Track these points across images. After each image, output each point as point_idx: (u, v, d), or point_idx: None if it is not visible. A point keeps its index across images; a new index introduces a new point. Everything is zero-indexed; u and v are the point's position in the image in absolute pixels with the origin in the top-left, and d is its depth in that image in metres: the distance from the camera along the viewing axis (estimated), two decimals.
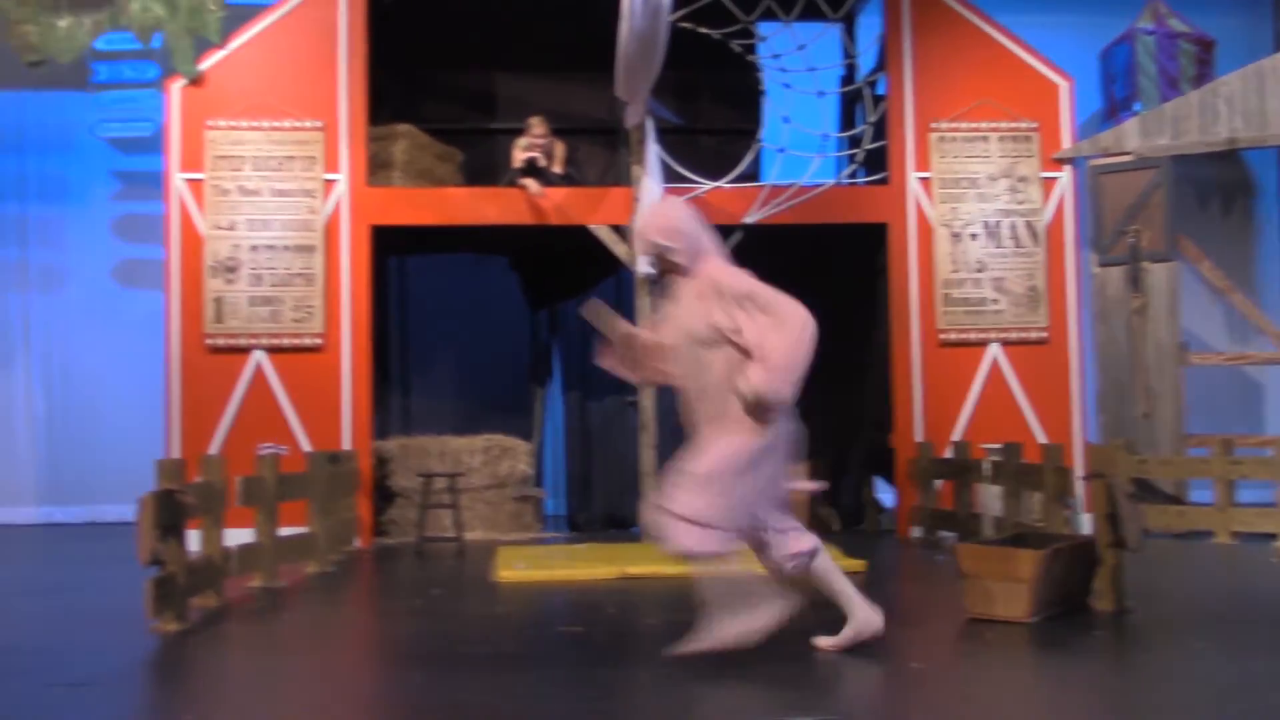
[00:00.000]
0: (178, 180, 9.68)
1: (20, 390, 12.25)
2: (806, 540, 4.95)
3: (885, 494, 10.62)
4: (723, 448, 4.73)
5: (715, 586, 4.81)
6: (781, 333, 4.72)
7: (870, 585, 7.10)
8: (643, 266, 9.38)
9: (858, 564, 7.54)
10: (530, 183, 9.76)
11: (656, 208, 5.11)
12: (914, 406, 9.90)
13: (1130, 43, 11.38)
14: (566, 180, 10.05)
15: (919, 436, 9.80)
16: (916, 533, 9.59)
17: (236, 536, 6.89)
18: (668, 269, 5.03)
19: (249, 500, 7.02)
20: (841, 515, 10.36)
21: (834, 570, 5.04)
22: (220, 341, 9.57)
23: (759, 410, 4.68)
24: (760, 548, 4.97)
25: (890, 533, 10.06)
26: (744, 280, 4.89)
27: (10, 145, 12.39)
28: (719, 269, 4.97)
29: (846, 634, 4.98)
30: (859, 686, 4.42)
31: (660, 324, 5.12)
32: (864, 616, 5.00)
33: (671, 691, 4.47)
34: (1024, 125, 10.07)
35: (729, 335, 4.78)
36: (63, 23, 9.58)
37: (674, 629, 5.87)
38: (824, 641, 4.96)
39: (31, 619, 6.26)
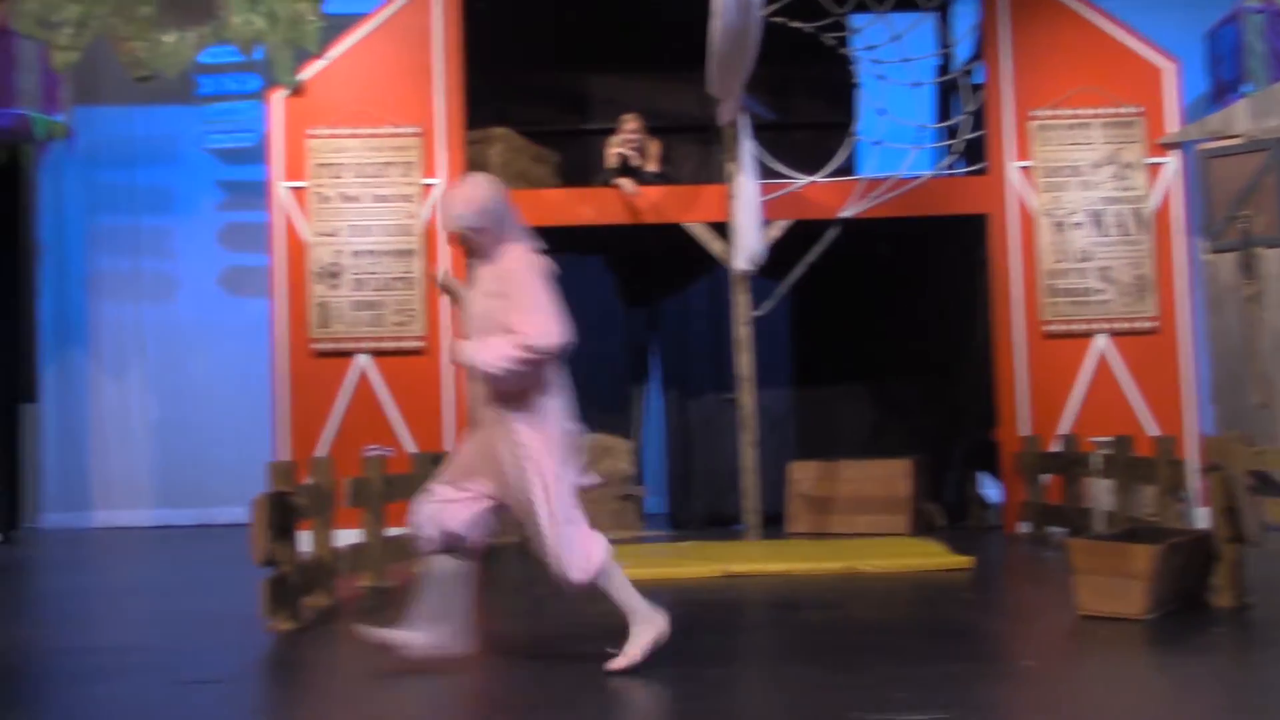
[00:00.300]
0: (281, 189, 9.89)
1: (135, 397, 12.63)
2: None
3: (990, 489, 10.46)
4: (538, 469, 4.68)
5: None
6: (516, 338, 4.68)
7: (977, 582, 7.02)
8: (741, 263, 9.35)
9: (964, 560, 7.45)
10: (625, 182, 9.79)
11: (465, 184, 4.85)
12: (1018, 400, 9.72)
13: (1238, 22, 11.02)
14: (662, 179, 10.06)
15: (1024, 430, 9.62)
16: (1023, 528, 9.42)
17: (345, 537, 7.02)
18: (471, 250, 4.82)
19: (357, 501, 7.14)
20: (945, 511, 10.23)
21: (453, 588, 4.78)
22: (325, 346, 9.76)
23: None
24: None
25: (996, 529, 9.89)
26: (533, 276, 4.78)
27: (121, 159, 12.77)
28: (520, 256, 4.80)
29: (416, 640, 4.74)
30: (970, 685, 4.36)
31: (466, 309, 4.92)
32: (445, 635, 4.76)
33: (778, 690, 4.45)
34: (1128, 110, 9.84)
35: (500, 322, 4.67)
36: (168, 38, 9.83)
37: (778, 627, 5.86)
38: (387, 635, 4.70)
39: (153, 618, 6.45)
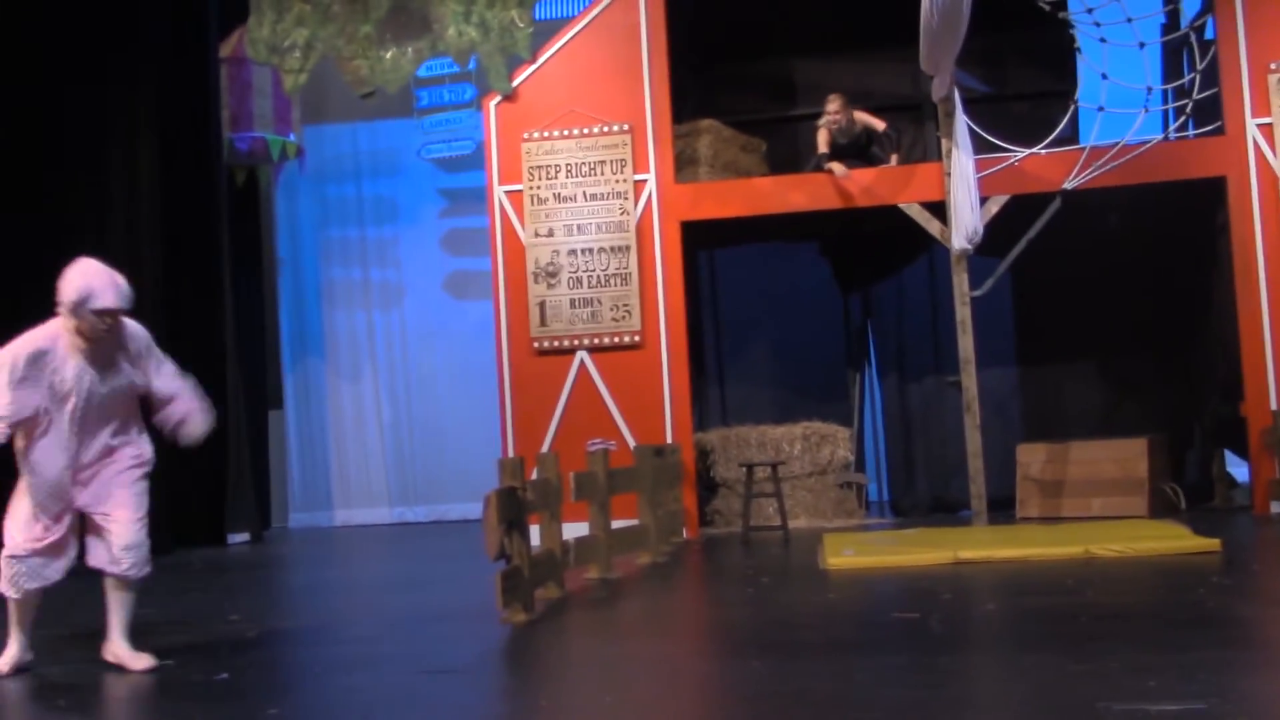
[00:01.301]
0: (499, 193, 10.17)
1: (370, 400, 13.20)
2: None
3: (1237, 467, 9.89)
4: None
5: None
6: (184, 381, 5.33)
7: (1227, 565, 6.65)
8: (959, 242, 9.11)
9: (1211, 543, 7.06)
10: (836, 166, 9.66)
11: (100, 272, 4.99)
12: (1267, 372, 9.15)
13: None
14: (888, 139, 9.84)
15: (1274, 403, 9.05)
16: (1276, 508, 8.88)
17: (571, 530, 7.16)
18: (109, 329, 5.02)
19: (582, 495, 7.27)
20: (1187, 492, 9.73)
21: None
22: (546, 344, 9.98)
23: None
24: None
25: (1245, 509, 9.36)
26: (144, 332, 5.28)
27: (347, 173, 13.38)
28: (129, 322, 5.17)
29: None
30: (1226, 674, 4.12)
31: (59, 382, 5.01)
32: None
33: (1018, 678, 4.31)
34: None
35: (138, 385, 5.18)
36: (388, 54, 10.26)
37: (1013, 614, 5.68)
38: None
39: (395, 611, 6.73)
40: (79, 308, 4.95)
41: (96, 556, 5.12)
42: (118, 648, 5.14)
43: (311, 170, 13.08)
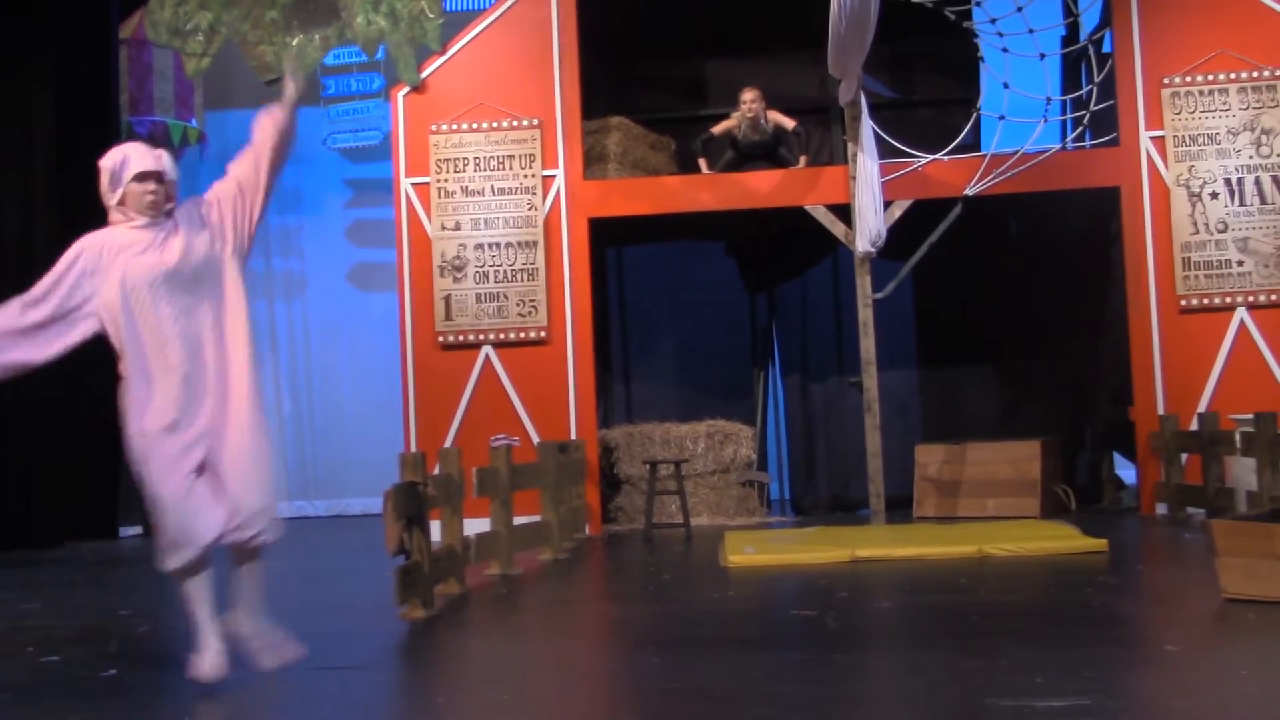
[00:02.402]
0: (405, 185, 10.07)
1: (270, 392, 12.98)
2: None
3: (1125, 470, 10.18)
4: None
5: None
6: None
7: (1113, 565, 6.85)
8: (863, 245, 9.24)
9: (1099, 543, 7.27)
10: (703, 162, 9.89)
11: (134, 144, 4.80)
12: (1154, 377, 9.44)
13: None
14: (798, 135, 9.94)
15: (1161, 409, 9.34)
16: (1161, 510, 9.16)
17: (473, 526, 7.13)
18: (155, 197, 4.69)
19: (485, 490, 7.24)
20: (1078, 493, 9.98)
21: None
22: (450, 338, 9.91)
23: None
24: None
25: (1132, 510, 9.64)
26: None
27: None
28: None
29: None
30: (1109, 671, 4.24)
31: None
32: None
33: (910, 674, 4.40)
34: (1268, 74, 9.45)
35: (218, 249, 4.89)
36: (294, 41, 10.09)
37: (907, 611, 5.78)
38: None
39: (291, 606, 6.61)
40: (117, 180, 4.64)
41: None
42: (243, 624, 4.66)
43: (214, 156, 12.79)
